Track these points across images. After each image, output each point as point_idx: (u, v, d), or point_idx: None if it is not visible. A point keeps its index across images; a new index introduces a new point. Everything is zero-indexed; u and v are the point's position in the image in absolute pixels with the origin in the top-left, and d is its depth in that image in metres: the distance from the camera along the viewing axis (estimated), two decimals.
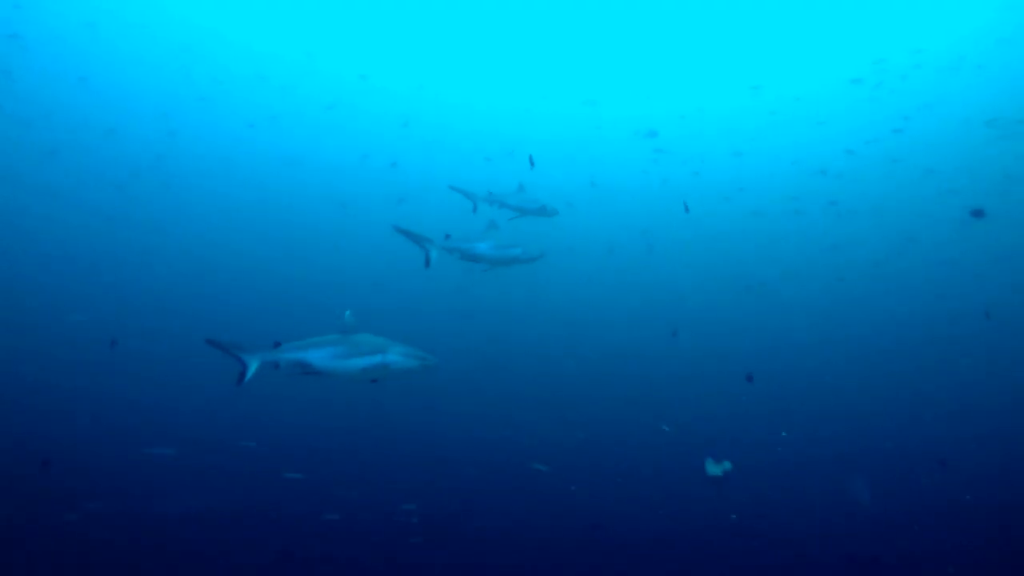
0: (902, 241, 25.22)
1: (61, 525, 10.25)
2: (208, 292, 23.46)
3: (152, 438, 12.97)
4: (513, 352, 18.73)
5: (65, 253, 24.16)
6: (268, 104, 32.49)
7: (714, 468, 10.35)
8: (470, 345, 17.45)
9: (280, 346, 6.60)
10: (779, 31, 28.48)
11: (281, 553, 10.57)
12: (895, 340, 20.41)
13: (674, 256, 26.08)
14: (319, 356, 6.51)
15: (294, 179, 33.15)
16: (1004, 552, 10.67)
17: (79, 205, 27.79)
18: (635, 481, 13.13)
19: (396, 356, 6.54)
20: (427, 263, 8.36)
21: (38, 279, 22.07)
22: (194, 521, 10.68)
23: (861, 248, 25.68)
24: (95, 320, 17.30)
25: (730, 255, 26.25)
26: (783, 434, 15.16)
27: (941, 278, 23.60)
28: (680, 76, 31.65)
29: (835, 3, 26.73)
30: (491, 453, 13.64)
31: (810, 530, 11.73)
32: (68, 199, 27.71)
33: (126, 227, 26.94)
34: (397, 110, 32.68)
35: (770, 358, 18.07)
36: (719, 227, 25.93)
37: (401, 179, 30.62)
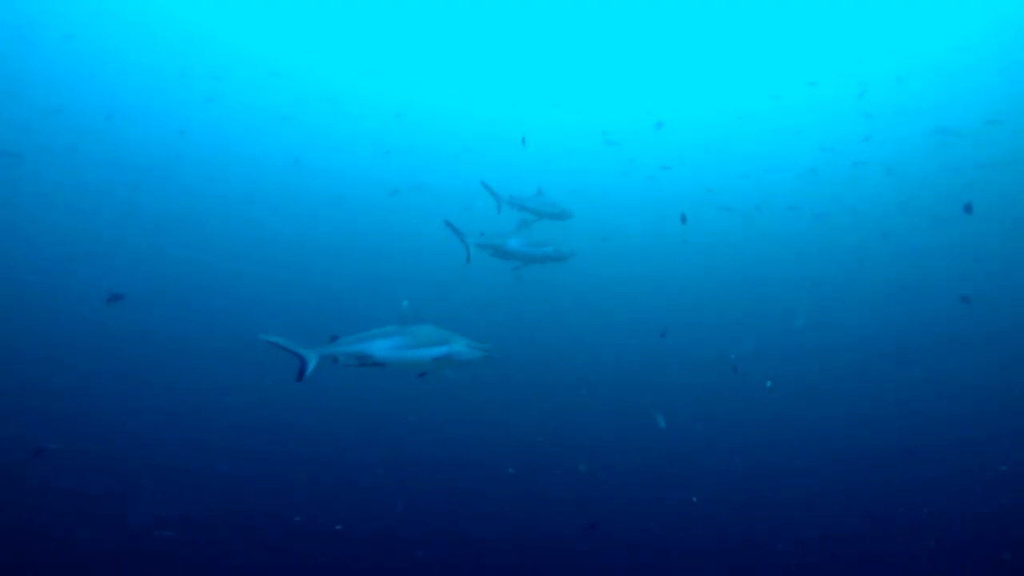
0: (879, 242, 25.51)
1: (58, 527, 10.25)
2: (208, 292, 23.37)
3: (153, 439, 12.99)
4: (506, 355, 18.61)
5: (66, 252, 24.08)
6: (276, 105, 32.61)
7: None
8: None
9: (337, 339, 6.52)
10: (758, 38, 29.13)
11: (278, 555, 10.57)
12: (888, 341, 20.37)
13: (660, 258, 26.06)
14: (382, 347, 6.41)
15: (297, 177, 33.08)
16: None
17: (82, 204, 27.72)
18: (633, 482, 13.11)
19: (461, 347, 6.50)
20: (468, 259, 8.36)
21: (38, 279, 22.03)
22: (190, 523, 10.68)
23: (841, 250, 25.88)
24: (96, 320, 17.27)
25: (718, 257, 26.26)
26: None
27: (921, 278, 23.73)
28: (656, 80, 32.11)
29: (813, 11, 27.47)
30: (489, 455, 13.62)
31: (810, 531, 11.72)
32: (69, 198, 27.64)
33: (130, 226, 26.85)
34: (393, 104, 32.94)
35: (767, 359, 17.99)
36: (701, 229, 25.95)
37: (395, 170, 30.69)
